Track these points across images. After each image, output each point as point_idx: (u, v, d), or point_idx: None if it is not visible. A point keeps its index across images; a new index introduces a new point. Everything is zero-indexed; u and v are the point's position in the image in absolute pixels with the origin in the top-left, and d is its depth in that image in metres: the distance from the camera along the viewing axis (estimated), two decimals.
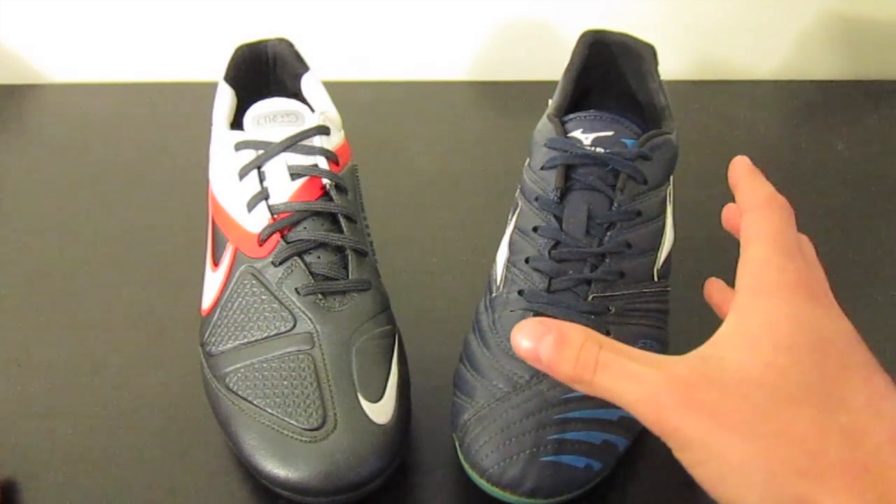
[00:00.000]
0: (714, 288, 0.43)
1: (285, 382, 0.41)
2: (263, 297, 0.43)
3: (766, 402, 0.29)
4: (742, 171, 0.36)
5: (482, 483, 0.40)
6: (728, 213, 0.39)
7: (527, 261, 0.44)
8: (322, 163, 0.46)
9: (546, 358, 0.32)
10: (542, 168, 0.45)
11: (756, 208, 0.34)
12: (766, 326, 0.31)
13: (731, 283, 0.56)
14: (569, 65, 0.51)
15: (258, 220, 0.45)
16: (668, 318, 0.46)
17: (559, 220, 0.44)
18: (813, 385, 0.29)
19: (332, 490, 0.39)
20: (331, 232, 0.45)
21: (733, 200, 0.62)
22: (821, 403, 0.29)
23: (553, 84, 0.51)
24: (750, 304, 0.32)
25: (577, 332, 0.32)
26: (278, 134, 0.46)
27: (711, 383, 0.30)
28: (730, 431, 0.29)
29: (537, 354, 0.32)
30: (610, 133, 0.45)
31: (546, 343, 0.32)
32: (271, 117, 0.47)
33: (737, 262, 0.56)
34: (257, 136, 0.46)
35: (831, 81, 0.74)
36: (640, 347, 0.43)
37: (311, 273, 0.44)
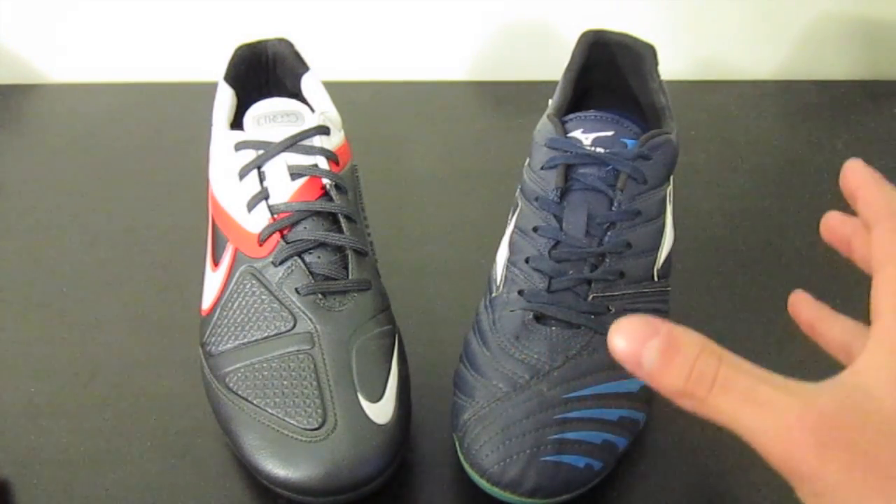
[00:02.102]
0: (804, 304, 0.37)
1: (285, 382, 0.41)
2: (263, 297, 0.43)
3: None
4: (864, 178, 0.31)
5: (482, 483, 0.40)
6: (834, 223, 0.34)
7: (527, 261, 0.44)
8: (322, 163, 0.46)
9: (650, 365, 0.27)
10: (542, 168, 0.45)
11: (892, 219, 0.30)
12: None
13: (732, 286, 0.56)
14: (569, 65, 0.51)
15: (258, 220, 0.45)
16: (668, 318, 0.46)
17: (559, 220, 0.44)
18: None
19: (333, 490, 0.39)
20: (331, 232, 0.45)
21: (734, 200, 0.62)
22: None
23: (553, 84, 0.51)
24: None
25: (692, 339, 0.27)
26: (278, 134, 0.46)
27: (861, 422, 0.25)
28: (881, 484, 0.24)
29: (638, 359, 0.27)
30: (610, 133, 0.45)
31: (652, 348, 0.27)
32: (271, 117, 0.47)
33: (737, 263, 0.56)
34: (257, 136, 0.46)
35: (831, 81, 0.74)
36: None
37: (311, 273, 0.44)
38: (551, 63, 0.56)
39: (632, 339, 0.27)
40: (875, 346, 0.28)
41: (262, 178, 0.45)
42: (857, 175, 0.32)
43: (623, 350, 0.27)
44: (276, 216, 0.44)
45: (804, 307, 0.37)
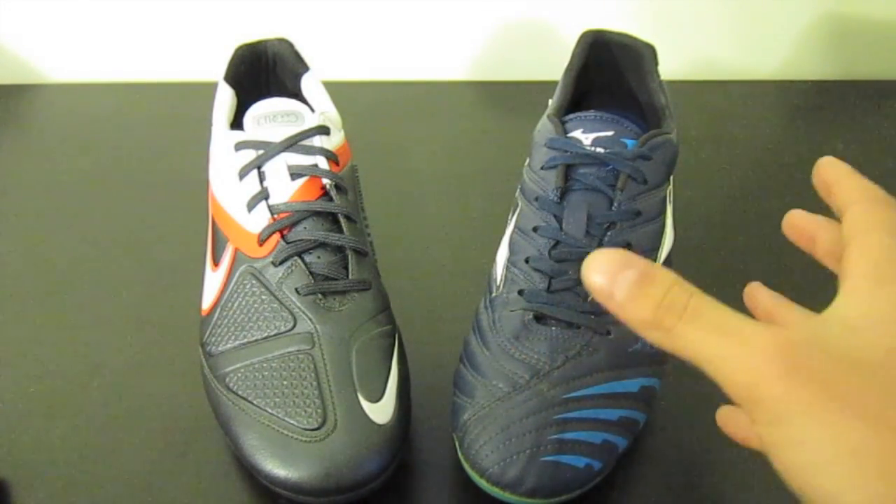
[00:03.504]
0: (762, 294, 0.37)
1: (285, 382, 0.41)
2: (263, 297, 0.43)
3: (887, 387, 0.25)
4: (842, 168, 0.33)
5: (482, 483, 0.40)
6: (798, 220, 0.36)
7: (527, 261, 0.44)
8: (322, 163, 0.46)
9: (622, 295, 0.27)
10: (542, 168, 0.45)
11: (868, 201, 0.31)
12: (893, 314, 0.27)
13: (732, 286, 0.56)
14: (569, 65, 0.51)
15: (258, 220, 0.45)
16: None
17: (559, 220, 0.44)
18: None
19: (332, 490, 0.39)
20: (331, 232, 0.45)
21: (734, 200, 0.62)
22: None
23: (553, 84, 0.51)
24: (871, 291, 0.28)
25: (666, 273, 0.28)
26: (278, 134, 0.46)
27: (826, 353, 0.26)
28: (844, 411, 0.25)
29: (611, 290, 0.27)
30: (610, 133, 0.45)
31: (625, 277, 0.27)
32: (271, 117, 0.47)
33: (737, 263, 0.56)
34: (257, 136, 0.46)
35: (831, 81, 0.74)
36: (640, 347, 0.43)
37: (311, 273, 0.44)
38: (551, 63, 0.56)
39: (606, 271, 0.28)
40: (845, 302, 0.28)
41: (262, 178, 0.45)
42: (832, 167, 0.33)
43: (599, 284, 0.28)
44: (276, 216, 0.44)
45: (761, 297, 0.37)
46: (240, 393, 0.42)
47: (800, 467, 0.26)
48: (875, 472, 0.24)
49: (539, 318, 0.43)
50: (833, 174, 0.33)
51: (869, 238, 0.30)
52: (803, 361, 0.26)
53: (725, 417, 0.38)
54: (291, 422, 0.40)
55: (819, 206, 0.36)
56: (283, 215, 0.44)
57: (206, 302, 0.46)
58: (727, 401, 0.29)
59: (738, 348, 0.26)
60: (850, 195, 0.32)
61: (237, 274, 0.44)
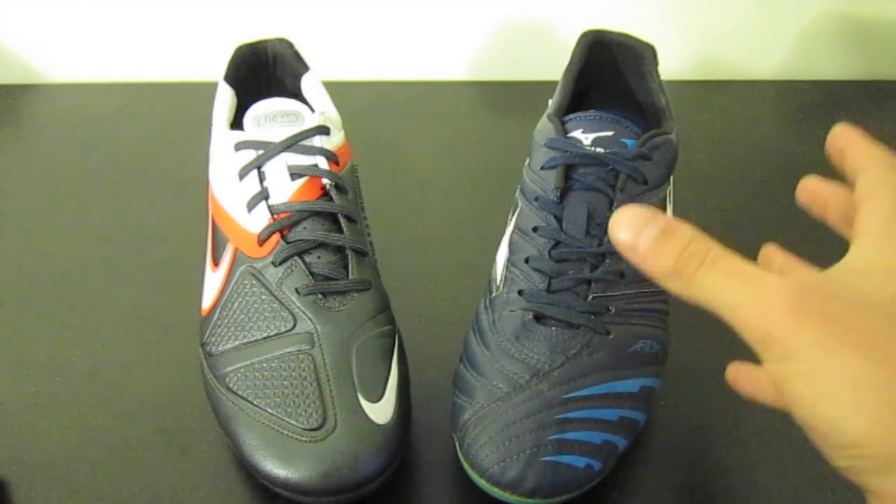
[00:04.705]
0: (777, 256, 0.39)
1: (285, 382, 0.41)
2: (263, 297, 0.43)
3: (892, 326, 0.27)
4: (855, 135, 0.35)
5: (482, 483, 0.40)
6: (813, 185, 0.37)
7: (527, 261, 0.44)
8: (322, 163, 0.46)
9: (645, 248, 0.30)
10: (542, 168, 0.45)
11: (879, 165, 0.33)
12: None
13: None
14: (569, 65, 0.51)
15: (258, 220, 0.45)
16: (668, 318, 0.46)
17: (559, 220, 0.44)
18: None
19: (332, 490, 0.39)
20: (331, 232, 0.45)
21: (734, 200, 0.62)
22: None
23: (553, 84, 0.51)
24: (880, 244, 0.30)
25: (687, 226, 0.30)
26: (278, 134, 0.46)
27: (836, 296, 0.28)
28: (850, 346, 0.27)
29: (636, 244, 0.30)
30: (610, 133, 0.45)
31: (649, 231, 0.30)
32: (271, 117, 0.47)
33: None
34: (257, 136, 0.46)
35: (831, 81, 0.74)
36: (640, 348, 0.43)
37: (311, 273, 0.44)
38: (551, 63, 0.56)
39: (632, 226, 0.30)
40: (856, 254, 0.31)
41: (262, 178, 0.45)
42: (846, 134, 0.35)
43: (624, 237, 0.30)
44: (276, 216, 0.44)
45: (776, 258, 0.39)
46: (240, 393, 0.42)
47: (807, 398, 0.28)
48: (873, 400, 0.26)
49: (539, 318, 0.43)
50: (847, 140, 0.34)
51: (879, 198, 0.31)
52: (812, 302, 0.28)
53: (734, 374, 0.39)
54: (291, 422, 0.40)
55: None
56: (283, 215, 0.44)
57: (206, 302, 0.46)
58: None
59: (753, 293, 0.28)
60: (863, 160, 0.33)
61: (237, 274, 0.44)
